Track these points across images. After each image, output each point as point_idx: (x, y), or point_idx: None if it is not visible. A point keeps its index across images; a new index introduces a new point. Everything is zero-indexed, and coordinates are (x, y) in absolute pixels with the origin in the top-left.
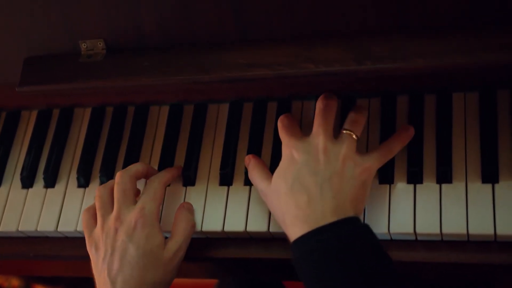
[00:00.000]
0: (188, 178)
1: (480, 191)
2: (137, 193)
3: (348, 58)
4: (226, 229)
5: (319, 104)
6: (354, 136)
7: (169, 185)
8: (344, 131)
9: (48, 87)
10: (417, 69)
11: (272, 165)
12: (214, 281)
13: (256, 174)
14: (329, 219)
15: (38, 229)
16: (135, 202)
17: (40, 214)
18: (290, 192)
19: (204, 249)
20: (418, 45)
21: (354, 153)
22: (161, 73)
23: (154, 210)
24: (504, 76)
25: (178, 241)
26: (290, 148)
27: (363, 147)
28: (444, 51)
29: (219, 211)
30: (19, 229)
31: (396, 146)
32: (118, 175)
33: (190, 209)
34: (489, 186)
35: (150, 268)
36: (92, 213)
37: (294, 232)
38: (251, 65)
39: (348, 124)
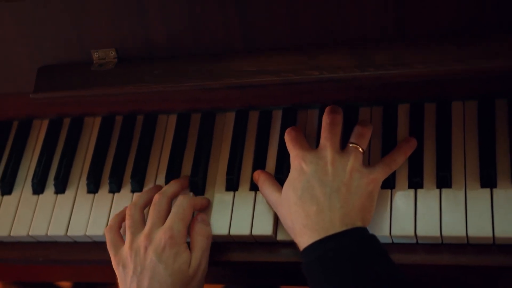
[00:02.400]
0: (196, 184)
1: (479, 195)
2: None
3: (351, 65)
4: (232, 232)
5: (325, 119)
6: (360, 149)
7: None
8: (351, 144)
9: (61, 94)
10: (417, 75)
11: (277, 171)
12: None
13: (266, 187)
14: (338, 228)
15: (48, 234)
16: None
17: (50, 219)
18: (300, 201)
19: (210, 254)
20: (419, 52)
21: (361, 165)
22: (170, 80)
23: (182, 229)
24: (502, 85)
25: (197, 256)
26: (298, 160)
27: (366, 154)
28: (444, 58)
29: (226, 215)
30: (30, 233)
31: (400, 157)
32: (156, 197)
33: (204, 221)
34: (487, 190)
35: (178, 286)
36: (115, 231)
37: (303, 240)
38: (258, 72)
39: (355, 137)
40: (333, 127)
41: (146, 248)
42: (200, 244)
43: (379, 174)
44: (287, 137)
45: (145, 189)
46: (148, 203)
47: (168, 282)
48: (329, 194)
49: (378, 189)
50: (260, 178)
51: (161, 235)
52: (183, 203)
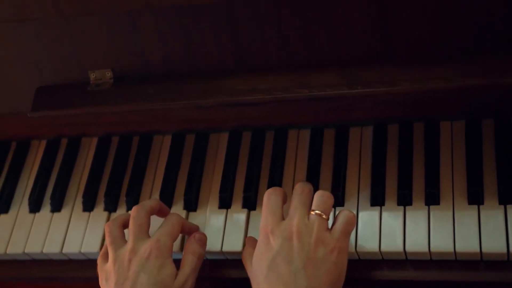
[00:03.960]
0: (189, 202)
1: (466, 212)
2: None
3: (340, 84)
4: (224, 249)
5: (297, 189)
6: (324, 217)
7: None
8: (314, 213)
9: (58, 112)
10: (403, 92)
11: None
12: None
13: (245, 258)
14: None
15: (44, 251)
16: (149, 236)
17: (46, 237)
18: (266, 281)
19: (204, 269)
20: (405, 71)
21: (325, 232)
22: (164, 99)
23: (169, 243)
24: (488, 106)
25: (186, 273)
26: (266, 231)
27: (356, 176)
28: (429, 77)
29: (219, 232)
30: (25, 251)
31: (350, 214)
32: (134, 210)
33: (201, 240)
34: (475, 207)
35: None
36: (103, 255)
37: None
38: (250, 91)
39: (316, 205)
40: (303, 197)
41: (130, 260)
42: (190, 263)
43: (340, 239)
44: (265, 200)
45: None
46: (127, 220)
47: None
48: (294, 272)
49: (346, 254)
50: (245, 245)
51: (146, 247)
52: (172, 219)
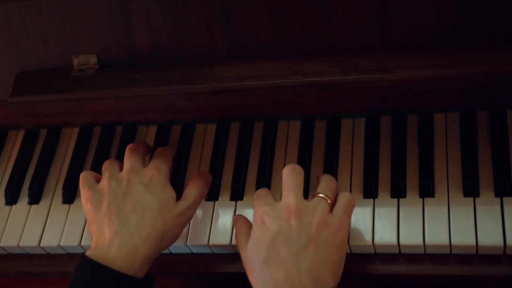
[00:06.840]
0: None
1: (462, 204)
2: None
3: (335, 71)
4: (211, 242)
5: (286, 170)
6: (328, 201)
7: None
8: (320, 195)
9: (39, 98)
10: (400, 80)
11: (259, 181)
12: None
13: (238, 239)
14: None
15: (21, 245)
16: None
17: (23, 230)
18: (265, 265)
19: (188, 264)
20: (402, 59)
21: (328, 215)
22: (152, 84)
23: (166, 170)
24: (484, 97)
25: (189, 201)
26: (260, 214)
27: (348, 168)
28: (426, 64)
29: (205, 225)
30: (1, 244)
31: (350, 196)
32: (131, 145)
33: (207, 179)
34: (470, 200)
35: (162, 216)
36: (92, 173)
37: None
38: (241, 78)
39: (323, 189)
40: (295, 176)
41: (130, 180)
42: (194, 194)
43: (343, 220)
44: (255, 196)
45: None
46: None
47: (154, 208)
48: (296, 254)
49: (346, 238)
50: (236, 224)
51: (147, 171)
52: (164, 149)
